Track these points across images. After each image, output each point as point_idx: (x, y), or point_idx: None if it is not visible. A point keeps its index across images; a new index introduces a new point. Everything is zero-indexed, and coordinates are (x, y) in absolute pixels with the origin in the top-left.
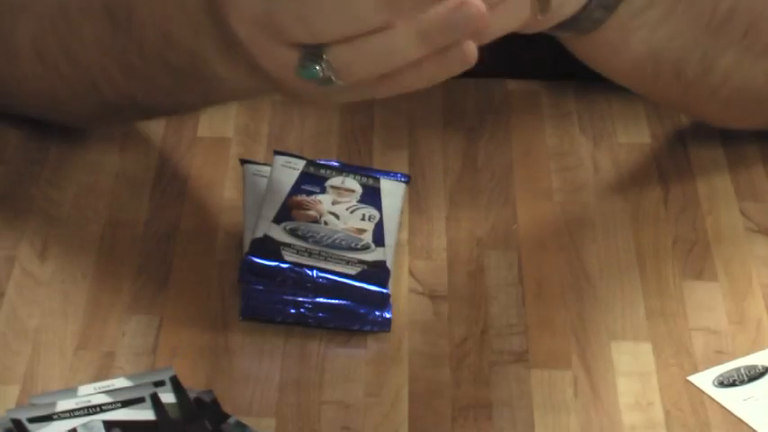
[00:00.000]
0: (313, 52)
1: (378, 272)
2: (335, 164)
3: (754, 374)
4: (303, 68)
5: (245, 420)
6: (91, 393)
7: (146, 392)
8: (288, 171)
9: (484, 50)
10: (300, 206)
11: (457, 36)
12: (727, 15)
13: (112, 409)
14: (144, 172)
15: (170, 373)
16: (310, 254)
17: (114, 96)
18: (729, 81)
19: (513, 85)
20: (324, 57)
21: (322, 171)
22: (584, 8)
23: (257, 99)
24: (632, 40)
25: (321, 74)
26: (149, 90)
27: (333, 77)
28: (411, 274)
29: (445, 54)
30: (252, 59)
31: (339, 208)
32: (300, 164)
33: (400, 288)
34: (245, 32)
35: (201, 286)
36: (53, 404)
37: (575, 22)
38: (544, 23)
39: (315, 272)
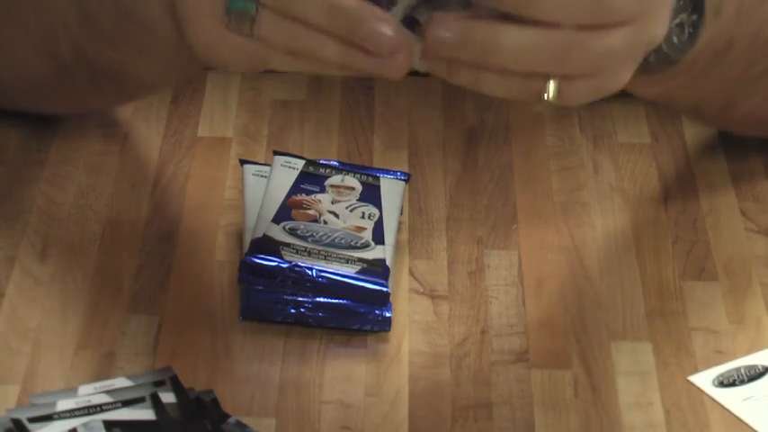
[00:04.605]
0: None
1: (377, 270)
2: (335, 163)
3: (754, 374)
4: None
5: (245, 420)
6: (91, 393)
7: (146, 392)
8: (287, 171)
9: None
10: (300, 206)
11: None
12: (762, 72)
13: (113, 408)
14: (144, 172)
15: (170, 373)
16: (310, 253)
17: (69, 51)
18: (752, 115)
19: None
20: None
21: (321, 170)
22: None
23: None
24: (644, 91)
25: (252, 14)
26: (96, 40)
27: (254, 28)
28: (411, 274)
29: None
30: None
31: (339, 207)
32: (300, 163)
33: (400, 288)
34: None
35: (201, 286)
36: (53, 404)
37: None
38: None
39: (314, 271)
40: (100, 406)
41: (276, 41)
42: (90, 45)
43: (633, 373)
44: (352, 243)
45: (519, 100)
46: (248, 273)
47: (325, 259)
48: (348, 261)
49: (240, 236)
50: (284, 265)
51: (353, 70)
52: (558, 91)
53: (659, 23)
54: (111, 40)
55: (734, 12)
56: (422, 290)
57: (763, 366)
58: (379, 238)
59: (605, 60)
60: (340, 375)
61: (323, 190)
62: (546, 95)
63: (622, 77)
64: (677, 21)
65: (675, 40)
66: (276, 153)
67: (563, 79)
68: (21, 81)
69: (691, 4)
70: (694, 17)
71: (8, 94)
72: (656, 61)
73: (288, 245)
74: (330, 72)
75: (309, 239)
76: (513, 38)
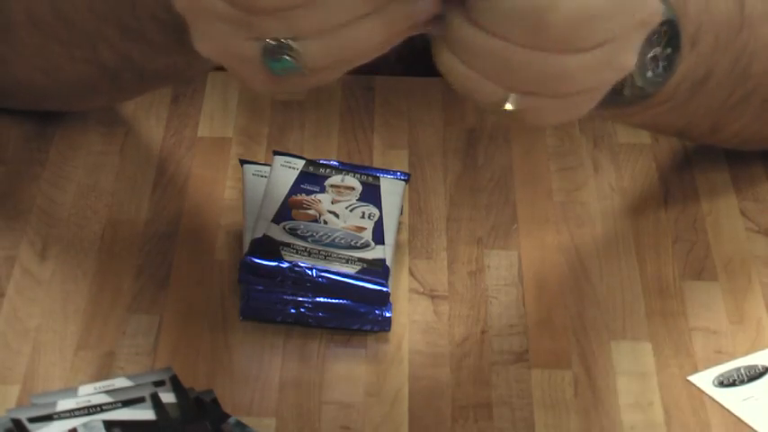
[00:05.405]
0: (281, 44)
1: (377, 270)
2: (335, 163)
3: (754, 374)
4: (275, 61)
5: (245, 420)
6: (91, 393)
7: (146, 392)
8: (287, 171)
9: None
10: (300, 205)
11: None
12: (744, 96)
13: (113, 408)
14: (144, 172)
15: (170, 373)
16: (310, 253)
17: (113, 59)
18: (742, 134)
19: None
20: (295, 47)
21: (321, 170)
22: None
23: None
24: (625, 120)
25: (295, 64)
26: (145, 49)
27: (301, 67)
28: (411, 273)
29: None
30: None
31: (339, 207)
32: (300, 163)
33: (400, 288)
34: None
35: (201, 286)
36: (53, 404)
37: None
38: None
39: (314, 271)
40: (100, 406)
41: (325, 63)
42: (137, 54)
43: (633, 373)
44: (352, 243)
45: (482, 103)
46: (248, 273)
47: (325, 259)
48: (348, 261)
49: (240, 236)
50: (284, 265)
51: (399, 35)
52: (518, 105)
53: (626, 53)
54: (160, 49)
55: (711, 42)
56: (422, 290)
57: (763, 366)
58: (379, 238)
59: (562, 84)
60: (340, 375)
61: (323, 190)
62: (505, 106)
63: (587, 104)
64: (651, 54)
65: (650, 74)
66: (276, 153)
67: (522, 94)
68: (56, 84)
69: (665, 38)
70: (668, 51)
71: (32, 96)
72: (632, 95)
73: (288, 245)
74: (371, 56)
75: (309, 239)
76: (465, 33)
